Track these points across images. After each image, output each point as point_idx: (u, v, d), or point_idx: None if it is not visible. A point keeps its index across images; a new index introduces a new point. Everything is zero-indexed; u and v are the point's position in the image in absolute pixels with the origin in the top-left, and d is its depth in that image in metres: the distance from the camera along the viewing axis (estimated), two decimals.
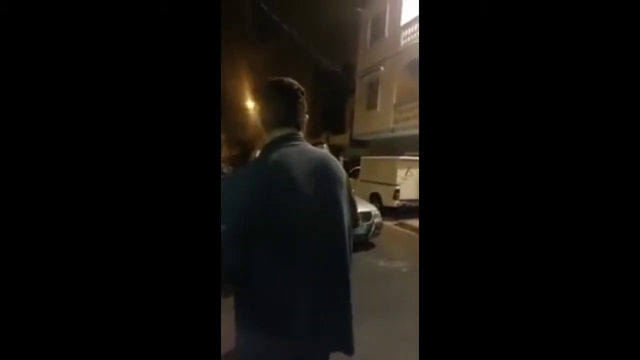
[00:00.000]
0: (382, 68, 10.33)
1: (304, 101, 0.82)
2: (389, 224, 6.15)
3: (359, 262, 2.91)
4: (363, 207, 4.11)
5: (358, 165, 8.89)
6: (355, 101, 12.04)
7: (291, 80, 0.81)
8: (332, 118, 13.74)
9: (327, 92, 13.85)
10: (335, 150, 10.45)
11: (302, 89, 0.81)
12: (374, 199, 7.37)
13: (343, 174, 0.82)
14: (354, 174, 8.49)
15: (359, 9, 11.69)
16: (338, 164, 0.82)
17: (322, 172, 0.76)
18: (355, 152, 11.20)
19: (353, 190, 0.89)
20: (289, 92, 0.79)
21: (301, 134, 0.81)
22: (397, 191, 7.34)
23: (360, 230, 4.03)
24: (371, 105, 10.97)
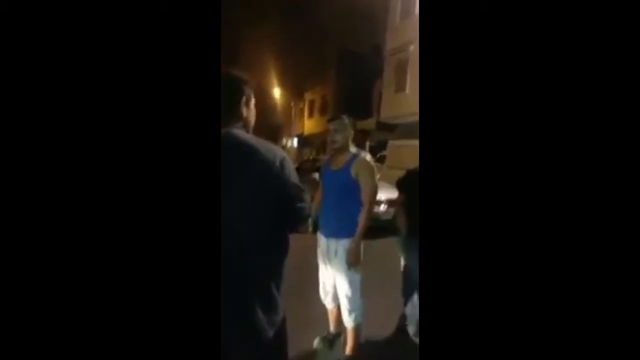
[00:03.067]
0: (412, 47, 9.84)
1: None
2: None
3: (387, 245, 2.99)
4: (389, 193, 4.05)
5: (384, 150, 8.62)
6: (383, 83, 11.66)
7: None
8: (358, 101, 13.45)
9: (354, 73, 13.51)
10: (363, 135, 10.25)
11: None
12: None
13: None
14: (380, 160, 8.22)
15: None
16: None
17: None
18: (382, 137, 10.91)
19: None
20: None
21: None
22: None
23: (387, 215, 4.01)
24: (400, 87, 10.57)
